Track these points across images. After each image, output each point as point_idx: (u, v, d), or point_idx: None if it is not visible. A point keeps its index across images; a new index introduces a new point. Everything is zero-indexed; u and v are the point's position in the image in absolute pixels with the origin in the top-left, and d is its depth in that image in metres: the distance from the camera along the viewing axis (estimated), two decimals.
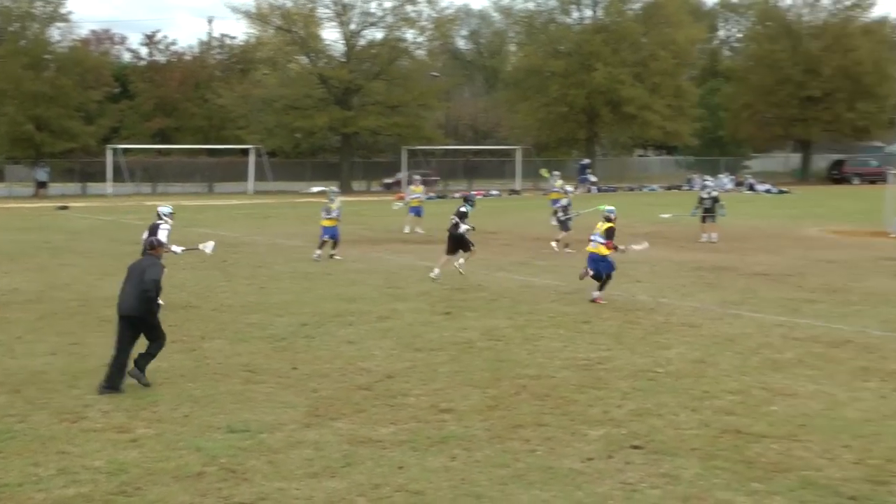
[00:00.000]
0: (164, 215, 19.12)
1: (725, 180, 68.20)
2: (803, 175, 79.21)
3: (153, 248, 13.24)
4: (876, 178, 68.65)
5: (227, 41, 76.15)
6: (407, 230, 34.54)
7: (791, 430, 10.80)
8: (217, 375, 13.21)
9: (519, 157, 67.77)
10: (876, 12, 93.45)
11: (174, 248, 18.45)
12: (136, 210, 43.72)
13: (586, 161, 67.17)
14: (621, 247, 19.56)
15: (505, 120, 78.01)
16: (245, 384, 12.74)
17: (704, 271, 24.20)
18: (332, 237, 26.24)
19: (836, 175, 75.81)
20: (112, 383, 12.18)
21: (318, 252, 26.11)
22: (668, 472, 9.46)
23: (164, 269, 12.78)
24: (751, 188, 64.87)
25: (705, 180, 35.72)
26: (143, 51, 73.91)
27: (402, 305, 18.89)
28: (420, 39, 69.73)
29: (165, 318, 13.65)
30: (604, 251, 19.20)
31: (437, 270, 22.04)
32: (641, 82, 68.44)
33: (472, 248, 22.42)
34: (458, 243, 22.35)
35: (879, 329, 16.70)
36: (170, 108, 69.93)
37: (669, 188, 67.69)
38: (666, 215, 34.94)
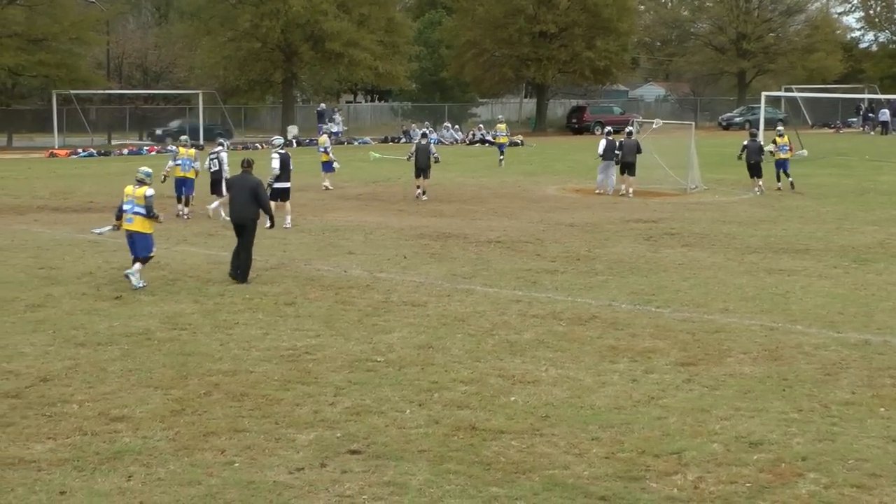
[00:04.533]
0: (277, 146, 27.36)
1: (451, 131, 69.77)
2: (539, 124, 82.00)
3: (249, 165, 19.78)
4: (620, 126, 71.99)
5: None
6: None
7: (533, 424, 11.21)
8: None
9: (201, 104, 66.75)
10: None
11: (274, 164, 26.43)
12: None
13: (322, 107, 72.91)
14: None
15: (183, 59, 76.57)
16: None
17: (429, 239, 24.73)
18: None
19: (576, 124, 78.97)
20: (245, 275, 19.15)
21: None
22: (392, 480, 9.63)
23: None
24: (483, 141, 66.39)
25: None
26: None
27: (58, 290, 18.36)
28: None
29: None
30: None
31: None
32: (347, 13, 68.60)
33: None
34: (626, 168, 34.43)
35: (628, 302, 17.59)
36: None
37: (385, 140, 68.48)
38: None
